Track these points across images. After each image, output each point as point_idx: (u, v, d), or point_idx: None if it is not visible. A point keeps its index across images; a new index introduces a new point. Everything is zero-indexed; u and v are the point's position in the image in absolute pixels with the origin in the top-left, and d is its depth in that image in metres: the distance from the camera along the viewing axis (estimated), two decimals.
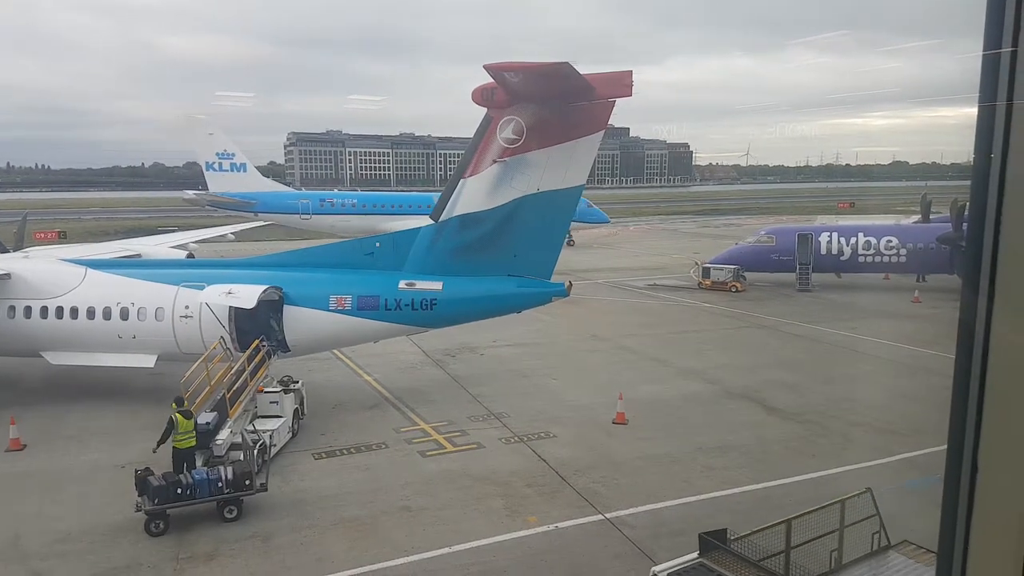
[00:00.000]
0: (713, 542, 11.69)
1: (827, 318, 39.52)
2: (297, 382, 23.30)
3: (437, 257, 23.37)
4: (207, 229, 48.57)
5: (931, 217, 54.06)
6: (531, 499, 18.22)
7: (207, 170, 68.58)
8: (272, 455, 20.19)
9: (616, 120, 23.87)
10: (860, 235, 47.58)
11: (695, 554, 11.74)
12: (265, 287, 23.37)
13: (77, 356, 25.38)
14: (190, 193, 76.60)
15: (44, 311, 24.98)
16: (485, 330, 31.97)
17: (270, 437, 20.25)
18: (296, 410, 22.65)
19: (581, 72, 19.63)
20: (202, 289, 23.72)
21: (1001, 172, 2.27)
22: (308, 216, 70.24)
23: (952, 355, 2.71)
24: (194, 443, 18.38)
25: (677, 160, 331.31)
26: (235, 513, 17.03)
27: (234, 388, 20.36)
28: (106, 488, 18.66)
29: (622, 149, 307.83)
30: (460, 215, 22.89)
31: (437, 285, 23.26)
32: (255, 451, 18.86)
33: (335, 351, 30.18)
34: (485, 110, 22.07)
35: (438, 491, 18.63)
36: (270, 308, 23.67)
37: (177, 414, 18.32)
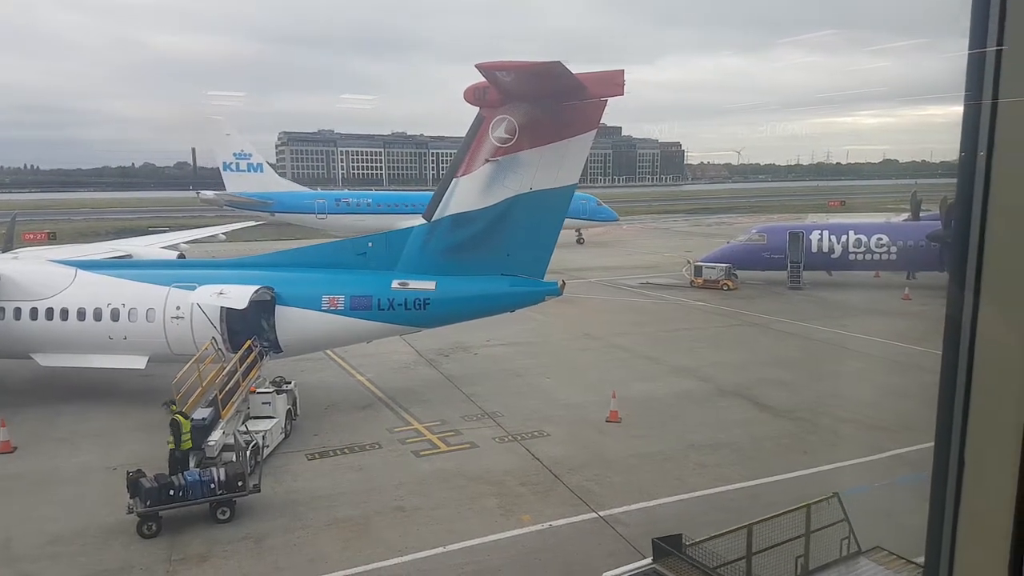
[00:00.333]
0: (667, 548, 11.30)
1: (818, 316, 39.72)
2: (290, 383, 23.23)
3: (430, 257, 23.34)
4: (198, 229, 48.38)
5: (921, 215, 54.38)
6: (525, 498, 18.25)
7: (224, 170, 69.60)
8: (265, 456, 20.15)
9: (608, 119, 23.94)
10: (851, 233, 47.83)
11: (649, 559, 11.46)
12: (257, 287, 23.28)
13: (67, 358, 25.23)
14: (208, 193, 77.33)
15: (34, 312, 24.79)
16: (478, 329, 31.94)
17: (263, 438, 20.20)
18: (289, 411, 22.58)
19: (573, 71, 19.65)
20: (193, 290, 23.61)
21: (987, 169, 2.30)
22: (324, 216, 70.86)
23: (939, 351, 2.74)
24: (191, 444, 18.33)
25: (669, 159, 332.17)
26: (228, 514, 16.96)
27: (226, 389, 20.28)
28: (97, 490, 18.56)
29: (614, 148, 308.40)
30: (453, 214, 22.87)
31: (430, 285, 23.24)
32: (248, 452, 18.80)
33: (328, 351, 30.11)
34: (477, 109, 22.06)
35: (432, 491, 18.62)
36: (262, 308, 23.58)
37: (179, 415, 18.26)
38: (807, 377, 28.81)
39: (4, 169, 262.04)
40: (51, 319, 24.69)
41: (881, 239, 47.38)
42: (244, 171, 69.53)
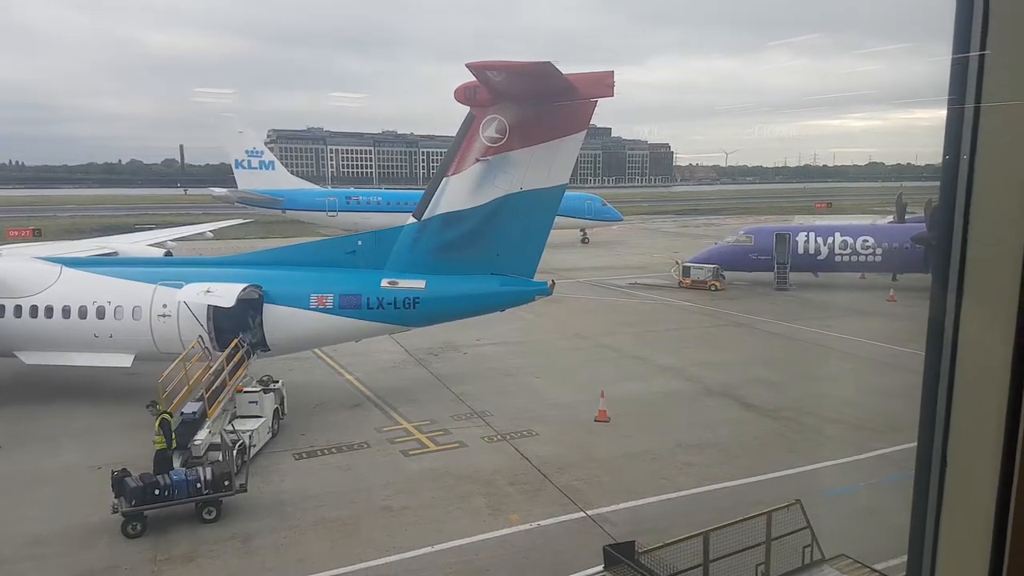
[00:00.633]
0: (617, 556, 10.98)
1: (804, 316, 40.00)
2: (277, 381, 23.11)
3: (420, 255, 23.30)
4: (185, 227, 48.03)
5: (906, 217, 54.89)
6: (513, 497, 18.26)
7: (236, 168, 70.06)
8: (252, 455, 20.04)
9: (598, 120, 24.01)
10: (837, 235, 48.23)
11: (600, 567, 11.23)
12: (244, 285, 23.15)
13: (52, 356, 24.96)
14: (220, 190, 77.57)
15: (18, 310, 24.51)
16: (468, 329, 31.92)
17: (249, 437, 20.09)
18: (276, 410, 22.46)
19: (563, 72, 19.69)
20: (180, 288, 23.44)
21: (969, 173, 2.33)
22: (335, 213, 71.11)
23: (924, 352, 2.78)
24: (176, 444, 18.21)
25: (658, 160, 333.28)
26: (214, 514, 16.86)
27: (213, 388, 20.16)
28: (82, 490, 18.37)
29: (604, 149, 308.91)
30: (443, 213, 22.85)
31: (420, 284, 23.20)
32: (234, 451, 18.69)
33: (316, 350, 29.99)
34: (468, 109, 22.06)
35: (420, 490, 18.60)
36: (249, 307, 23.45)
37: (166, 415, 18.14)
38: (793, 377, 29.03)
39: None
40: (36, 317, 24.43)
41: (867, 241, 47.80)
42: (256, 168, 70.10)
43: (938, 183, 2.53)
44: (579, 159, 24.49)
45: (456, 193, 22.58)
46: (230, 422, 20.28)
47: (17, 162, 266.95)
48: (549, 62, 19.17)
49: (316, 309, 23.40)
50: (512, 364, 30.62)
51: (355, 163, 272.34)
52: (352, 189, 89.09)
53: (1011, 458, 2.26)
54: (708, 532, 11.35)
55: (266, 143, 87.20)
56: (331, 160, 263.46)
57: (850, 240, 47.76)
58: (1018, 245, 2.18)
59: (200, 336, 23.11)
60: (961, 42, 2.31)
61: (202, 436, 18.81)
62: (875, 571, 11.54)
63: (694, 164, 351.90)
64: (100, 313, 24.19)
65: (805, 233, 48.87)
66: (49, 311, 24.41)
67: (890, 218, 57.66)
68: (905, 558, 2.87)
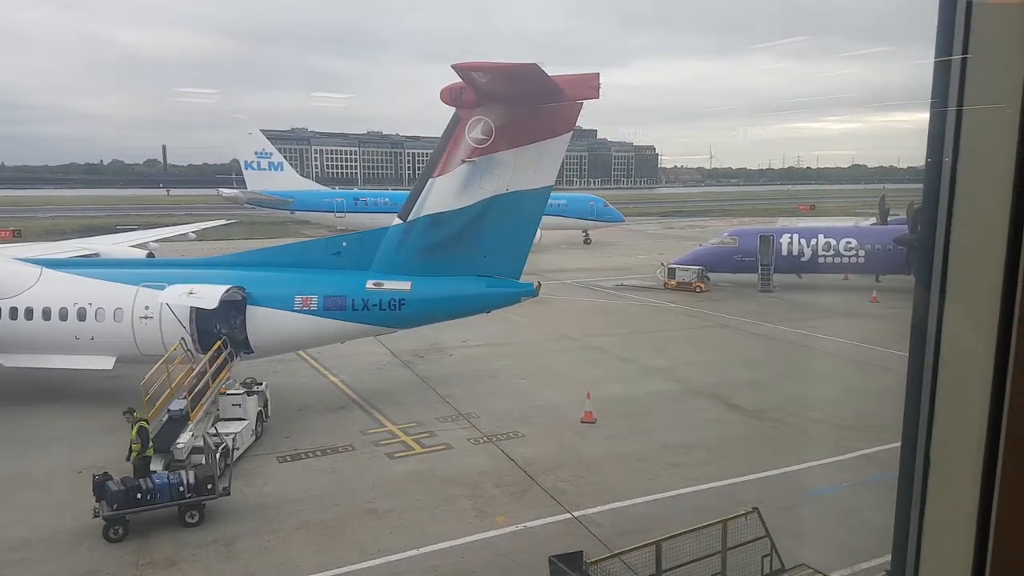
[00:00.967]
0: (562, 567, 10.72)
1: (788, 318, 40.33)
2: (261, 384, 22.94)
3: (405, 257, 23.23)
4: (168, 228, 47.57)
5: (888, 219, 55.53)
6: (499, 499, 18.23)
7: (246, 168, 70.55)
8: (235, 458, 19.85)
9: (584, 122, 24.07)
10: (820, 237, 48.68)
11: None
12: (227, 287, 22.95)
13: (32, 358, 24.62)
14: (229, 191, 77.46)
15: None
16: (454, 330, 31.88)
17: (233, 440, 19.90)
18: (260, 412, 22.28)
19: (549, 74, 19.72)
20: (162, 289, 23.19)
21: (952, 175, 2.35)
22: (343, 214, 71.36)
23: (907, 353, 2.80)
24: (153, 452, 18.05)
25: (643, 162, 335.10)
26: (197, 518, 16.69)
27: (195, 390, 19.96)
28: (63, 493, 18.13)
29: (590, 151, 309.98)
30: (429, 215, 22.79)
31: (405, 285, 23.12)
32: (217, 454, 18.50)
33: (301, 352, 29.79)
34: (454, 110, 22.02)
35: (406, 493, 18.52)
36: (232, 308, 23.24)
37: (143, 422, 17.96)
38: (776, 378, 29.25)
39: None
40: (15, 319, 24.06)
41: (850, 243, 48.28)
42: (265, 169, 70.44)
43: (920, 185, 2.55)
44: (565, 160, 24.56)
45: (442, 194, 22.53)
46: (213, 425, 20.09)
47: None
48: (535, 63, 19.19)
49: (301, 311, 23.25)
50: (498, 365, 30.60)
51: (340, 164, 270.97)
52: (359, 190, 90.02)
53: (993, 457, 2.28)
54: (660, 541, 11.10)
55: None
56: (315, 160, 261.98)
57: (833, 242, 48.22)
58: (1000, 247, 2.20)
59: (182, 338, 22.88)
60: (944, 45, 2.33)
61: (185, 439, 18.61)
62: None
63: (679, 166, 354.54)
64: (81, 315, 23.88)
65: (789, 235, 49.29)
66: (29, 313, 24.06)
67: (873, 220, 58.30)
68: (887, 558, 2.89)
